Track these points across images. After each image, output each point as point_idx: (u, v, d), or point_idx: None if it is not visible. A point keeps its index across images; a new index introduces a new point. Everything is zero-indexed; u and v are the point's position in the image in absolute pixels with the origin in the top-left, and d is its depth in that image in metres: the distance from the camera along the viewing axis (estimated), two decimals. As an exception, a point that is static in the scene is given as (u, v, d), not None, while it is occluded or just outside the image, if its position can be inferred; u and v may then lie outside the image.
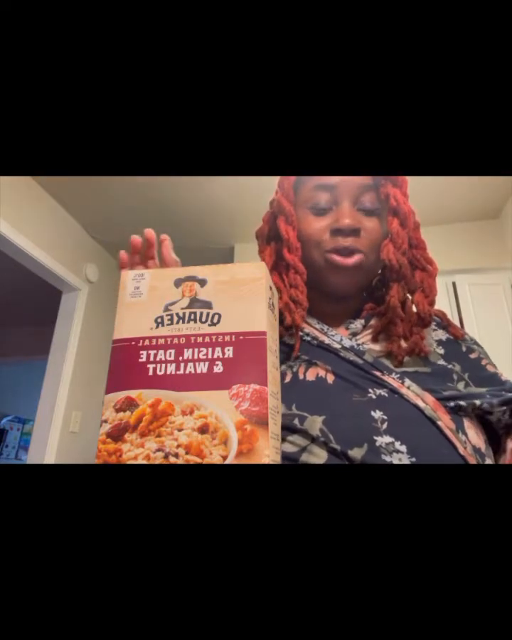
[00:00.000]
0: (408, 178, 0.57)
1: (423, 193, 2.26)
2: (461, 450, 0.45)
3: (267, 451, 0.29)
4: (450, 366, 0.55)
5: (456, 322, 2.09)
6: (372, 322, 0.60)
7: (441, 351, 0.57)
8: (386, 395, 0.49)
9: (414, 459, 0.43)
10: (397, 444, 0.44)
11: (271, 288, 0.37)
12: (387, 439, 0.45)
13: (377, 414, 0.46)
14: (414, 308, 0.56)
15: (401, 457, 0.43)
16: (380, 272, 0.63)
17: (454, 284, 2.25)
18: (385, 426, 0.45)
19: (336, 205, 0.56)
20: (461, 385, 0.53)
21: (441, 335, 0.60)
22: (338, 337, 0.56)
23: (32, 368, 4.38)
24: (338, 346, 0.55)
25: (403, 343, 0.55)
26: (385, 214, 0.56)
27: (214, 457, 0.30)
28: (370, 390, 0.49)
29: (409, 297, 0.58)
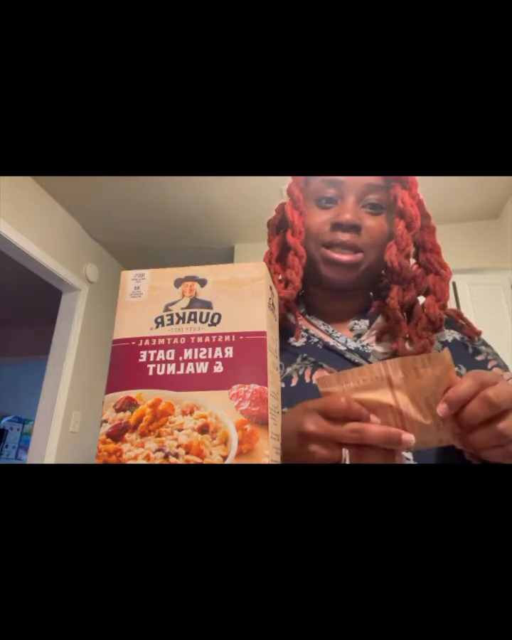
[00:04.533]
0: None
1: (423, 193, 2.25)
2: (467, 455, 0.43)
3: (267, 451, 0.29)
4: (456, 369, 0.54)
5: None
6: (378, 320, 0.59)
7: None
8: None
9: None
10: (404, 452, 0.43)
11: (271, 288, 0.37)
12: None
13: None
14: (424, 312, 0.56)
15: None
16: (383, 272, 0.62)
17: (454, 284, 2.25)
18: None
19: (341, 199, 0.56)
20: None
21: (449, 336, 0.59)
22: (342, 339, 0.56)
23: (32, 368, 4.38)
24: (343, 348, 0.55)
25: (407, 345, 0.54)
26: (392, 215, 0.56)
27: (214, 457, 0.30)
28: None
29: (420, 300, 0.58)
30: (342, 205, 0.55)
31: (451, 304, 2.25)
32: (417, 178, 0.58)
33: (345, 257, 0.54)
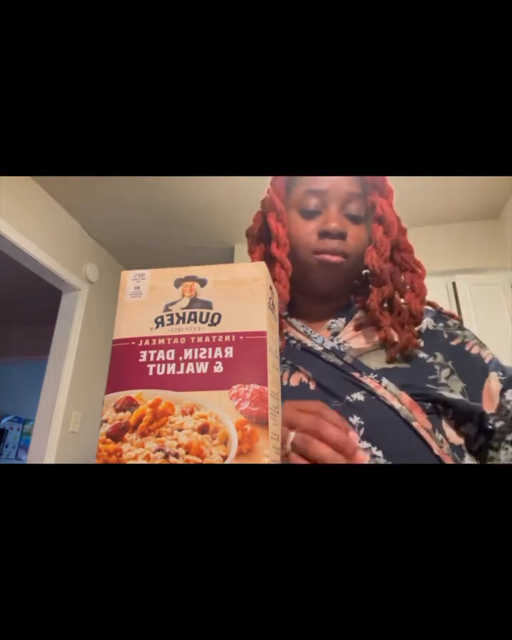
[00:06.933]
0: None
1: (423, 192, 2.26)
2: (436, 450, 0.46)
3: (267, 451, 0.29)
4: (430, 359, 0.56)
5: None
6: (357, 315, 0.61)
7: (421, 343, 0.58)
8: (362, 399, 0.49)
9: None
10: (374, 450, 0.45)
11: (271, 288, 0.37)
12: (365, 444, 0.45)
13: (354, 419, 0.47)
14: (406, 307, 0.58)
15: (378, 462, 0.44)
16: (363, 272, 0.65)
17: (453, 284, 2.24)
18: (362, 432, 0.46)
19: (324, 208, 0.58)
20: (445, 373, 0.54)
21: (423, 325, 0.61)
22: (320, 339, 0.58)
23: (32, 368, 4.38)
24: (319, 348, 0.56)
25: (394, 336, 0.56)
26: (370, 222, 0.59)
27: (214, 457, 0.30)
28: (348, 396, 0.50)
29: (397, 296, 0.60)
30: (326, 214, 0.58)
31: (451, 304, 2.25)
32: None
33: (334, 259, 0.57)
